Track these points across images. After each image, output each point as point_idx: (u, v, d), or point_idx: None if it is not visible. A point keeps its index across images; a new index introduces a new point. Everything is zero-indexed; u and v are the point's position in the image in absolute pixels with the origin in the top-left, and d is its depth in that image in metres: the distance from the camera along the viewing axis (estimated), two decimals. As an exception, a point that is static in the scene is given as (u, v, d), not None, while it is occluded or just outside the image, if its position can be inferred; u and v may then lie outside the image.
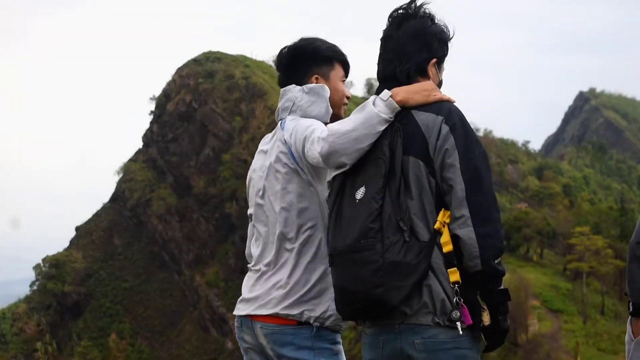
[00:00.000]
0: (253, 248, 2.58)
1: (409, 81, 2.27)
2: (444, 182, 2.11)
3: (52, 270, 66.68)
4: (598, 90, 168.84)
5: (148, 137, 78.74)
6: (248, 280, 2.54)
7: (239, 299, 2.55)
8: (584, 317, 40.28)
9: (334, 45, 2.60)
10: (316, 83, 2.52)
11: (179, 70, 78.83)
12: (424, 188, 2.12)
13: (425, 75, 2.29)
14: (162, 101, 78.06)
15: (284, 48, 2.58)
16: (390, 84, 2.28)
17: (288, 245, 2.42)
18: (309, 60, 2.54)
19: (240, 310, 2.50)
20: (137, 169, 76.48)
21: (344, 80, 2.60)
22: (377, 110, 2.17)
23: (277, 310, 2.37)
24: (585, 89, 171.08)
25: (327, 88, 2.50)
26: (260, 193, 2.51)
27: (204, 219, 67.83)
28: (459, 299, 2.08)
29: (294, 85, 2.53)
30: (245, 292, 2.52)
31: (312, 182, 2.41)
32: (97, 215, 76.76)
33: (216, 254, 65.11)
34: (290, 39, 2.64)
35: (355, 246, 2.11)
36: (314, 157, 2.26)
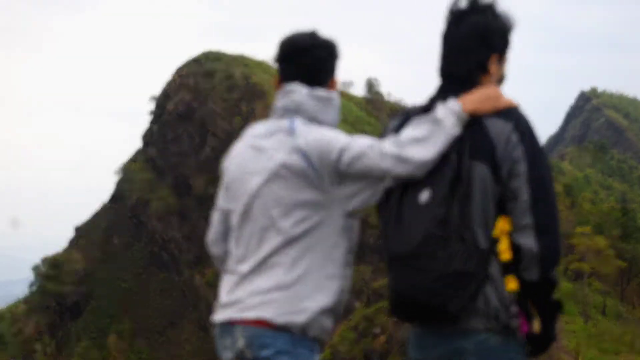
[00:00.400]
0: (234, 248, 2.44)
1: (470, 79, 2.26)
2: (508, 190, 2.11)
3: (51, 270, 66.61)
4: (599, 89, 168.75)
5: (148, 137, 78.68)
6: (226, 283, 2.42)
7: (217, 305, 2.43)
8: (585, 318, 40.13)
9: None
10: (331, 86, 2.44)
11: (179, 70, 78.75)
12: (488, 194, 2.12)
13: (486, 73, 2.27)
14: (162, 101, 77.98)
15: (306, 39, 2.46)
16: (452, 82, 2.28)
17: (277, 252, 2.31)
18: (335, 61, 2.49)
19: (219, 315, 2.38)
20: (136, 169, 76.41)
21: None
22: (451, 126, 2.16)
23: (258, 315, 2.27)
24: (586, 88, 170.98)
25: (336, 96, 2.40)
26: (253, 193, 2.35)
27: (204, 219, 67.71)
28: (516, 307, 2.12)
29: (300, 85, 2.39)
30: (224, 295, 2.39)
31: (324, 192, 2.28)
32: (96, 215, 76.69)
33: (216, 254, 65.05)
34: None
35: (418, 252, 2.10)
36: (378, 169, 2.20)
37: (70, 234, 76.13)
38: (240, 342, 2.30)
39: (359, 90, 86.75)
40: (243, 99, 70.64)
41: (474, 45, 2.24)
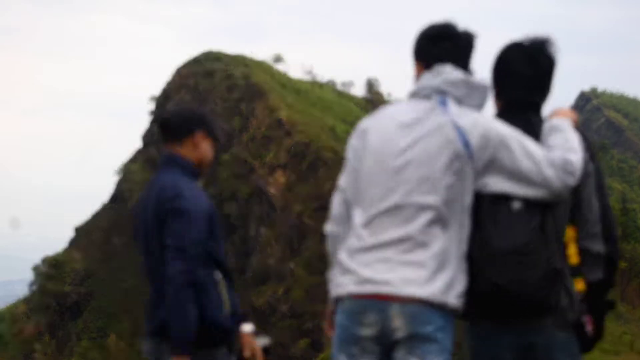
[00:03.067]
0: (364, 227, 2.36)
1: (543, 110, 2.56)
2: (581, 201, 2.38)
3: (51, 270, 66.60)
4: (599, 89, 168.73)
5: (148, 137, 78.63)
6: (365, 257, 2.32)
7: (348, 278, 2.32)
8: (585, 318, 40.17)
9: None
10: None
11: (179, 70, 78.74)
12: (566, 204, 2.37)
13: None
14: (162, 101, 77.91)
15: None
16: (532, 110, 2.52)
17: (435, 224, 2.30)
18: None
19: (370, 289, 2.27)
20: (136, 169, 76.37)
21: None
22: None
23: (426, 293, 2.23)
24: (586, 88, 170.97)
25: (486, 81, 2.46)
26: (403, 168, 2.34)
27: (204, 219, 67.52)
28: (584, 306, 2.37)
29: (452, 67, 2.42)
30: (367, 271, 2.29)
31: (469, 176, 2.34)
32: (96, 215, 76.67)
33: (216, 254, 64.95)
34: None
35: (523, 249, 2.26)
36: (556, 183, 2.29)
37: (70, 234, 76.15)
38: (397, 321, 2.25)
39: (359, 90, 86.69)
40: (243, 99, 70.60)
41: (551, 81, 2.56)
